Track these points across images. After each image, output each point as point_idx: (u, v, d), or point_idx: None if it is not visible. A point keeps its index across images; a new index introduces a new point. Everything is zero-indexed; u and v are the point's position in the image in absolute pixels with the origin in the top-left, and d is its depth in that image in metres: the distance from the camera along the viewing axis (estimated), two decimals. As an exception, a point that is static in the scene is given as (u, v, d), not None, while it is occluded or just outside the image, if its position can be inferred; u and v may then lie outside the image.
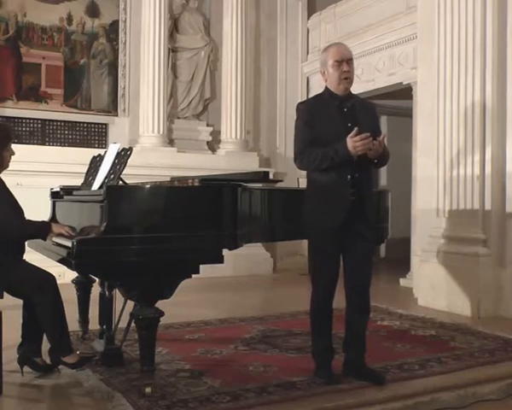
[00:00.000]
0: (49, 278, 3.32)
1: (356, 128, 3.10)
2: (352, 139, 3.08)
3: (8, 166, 3.50)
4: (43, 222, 3.49)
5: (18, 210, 3.52)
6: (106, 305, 3.72)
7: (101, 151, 4.03)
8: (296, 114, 3.36)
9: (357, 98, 3.39)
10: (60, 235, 3.35)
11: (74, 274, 3.84)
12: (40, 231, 3.40)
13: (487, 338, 4.38)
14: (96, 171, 3.73)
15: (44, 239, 3.43)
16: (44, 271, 3.38)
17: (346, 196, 3.18)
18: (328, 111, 3.24)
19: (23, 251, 3.50)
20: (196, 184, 3.26)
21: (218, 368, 3.58)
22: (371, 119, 3.31)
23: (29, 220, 3.48)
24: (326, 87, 3.33)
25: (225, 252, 3.17)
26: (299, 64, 9.14)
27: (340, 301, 3.37)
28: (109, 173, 3.43)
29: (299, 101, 8.74)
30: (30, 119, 7.80)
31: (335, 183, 3.19)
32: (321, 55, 3.38)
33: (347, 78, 3.24)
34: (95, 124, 8.18)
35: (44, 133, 7.90)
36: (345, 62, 3.23)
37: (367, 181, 3.29)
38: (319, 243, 3.30)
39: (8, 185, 3.53)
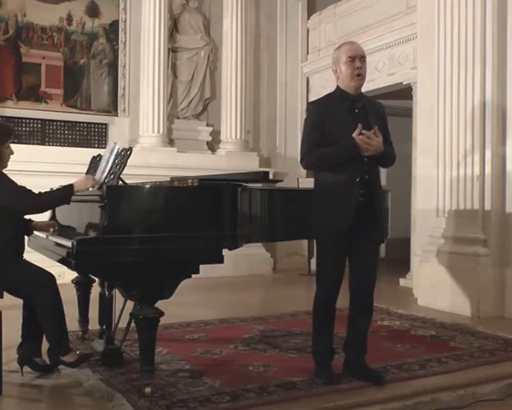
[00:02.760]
0: (49, 278, 3.32)
1: (359, 125, 3.10)
2: (359, 137, 3.09)
3: (7, 166, 3.48)
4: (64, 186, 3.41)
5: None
6: (106, 305, 3.71)
7: (101, 151, 4.03)
8: (306, 113, 3.35)
9: (367, 98, 3.37)
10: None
11: (74, 274, 3.84)
12: (65, 193, 3.34)
13: (487, 338, 4.38)
14: (96, 171, 3.72)
15: (68, 203, 3.38)
16: (44, 270, 3.38)
17: (355, 198, 3.16)
18: (339, 111, 3.22)
19: (22, 250, 3.50)
20: (196, 184, 3.26)
21: (218, 368, 3.58)
22: (380, 120, 3.29)
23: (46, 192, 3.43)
24: (337, 86, 3.31)
25: (225, 252, 3.18)
26: (299, 64, 9.14)
27: (341, 301, 3.37)
28: (109, 173, 3.43)
29: (299, 100, 8.97)
30: (30, 119, 7.81)
31: (344, 184, 3.17)
32: (333, 54, 3.36)
33: (360, 74, 3.22)
34: (95, 124, 8.18)
35: (44, 133, 7.90)
36: (357, 59, 3.22)
37: (377, 182, 3.28)
38: (325, 244, 3.28)
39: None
